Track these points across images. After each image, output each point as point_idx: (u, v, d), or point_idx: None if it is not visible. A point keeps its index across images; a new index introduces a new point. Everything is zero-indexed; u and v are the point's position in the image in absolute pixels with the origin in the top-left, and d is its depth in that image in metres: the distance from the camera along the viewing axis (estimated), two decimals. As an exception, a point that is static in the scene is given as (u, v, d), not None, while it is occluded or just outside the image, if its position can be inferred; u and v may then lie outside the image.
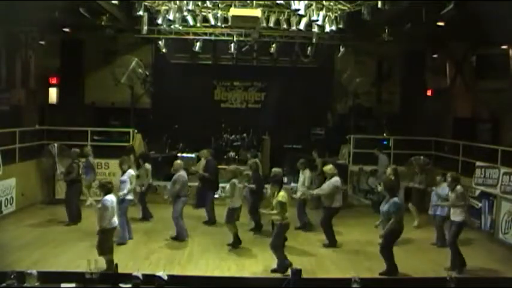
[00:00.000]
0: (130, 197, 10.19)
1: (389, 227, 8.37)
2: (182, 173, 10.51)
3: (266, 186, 12.25)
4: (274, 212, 8.51)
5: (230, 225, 10.18)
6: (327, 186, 10.37)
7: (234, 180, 10.31)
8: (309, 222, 11.62)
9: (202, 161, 12.65)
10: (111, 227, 8.14)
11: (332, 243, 10.39)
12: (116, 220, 8.31)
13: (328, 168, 10.62)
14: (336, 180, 10.35)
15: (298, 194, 11.54)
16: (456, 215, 8.98)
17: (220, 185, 12.47)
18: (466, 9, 11.06)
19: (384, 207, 8.53)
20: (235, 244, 10.11)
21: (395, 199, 8.49)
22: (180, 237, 10.45)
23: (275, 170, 10.36)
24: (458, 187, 9.09)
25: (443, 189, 10.25)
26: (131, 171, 10.40)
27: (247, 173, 11.66)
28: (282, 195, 8.52)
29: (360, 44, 16.37)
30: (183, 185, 10.38)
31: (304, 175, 11.47)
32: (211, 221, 11.99)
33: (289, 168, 15.45)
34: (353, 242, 10.63)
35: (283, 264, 8.46)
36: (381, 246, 8.68)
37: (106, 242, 8.04)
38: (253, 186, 11.31)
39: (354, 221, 12.26)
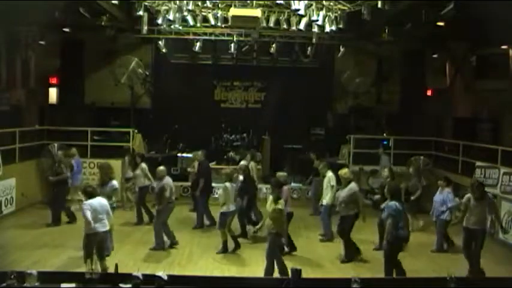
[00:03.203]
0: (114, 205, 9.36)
1: (387, 237, 7.77)
2: (168, 180, 10.06)
3: (266, 186, 12.25)
4: (270, 224, 8.08)
5: (221, 231, 9.83)
6: (345, 194, 9.60)
7: (227, 184, 9.93)
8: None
9: (195, 163, 12.43)
10: (91, 232, 7.86)
11: (349, 256, 9.56)
12: (97, 226, 7.87)
13: (344, 172, 9.84)
14: (354, 186, 9.64)
15: (325, 200, 10.73)
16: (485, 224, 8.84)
17: (216, 185, 12.32)
18: (466, 9, 11.07)
19: (384, 214, 8.06)
20: (224, 250, 9.80)
21: (391, 203, 7.90)
22: (157, 247, 9.79)
23: (280, 174, 10.19)
24: (490, 195, 8.98)
25: (446, 194, 10.17)
26: (116, 184, 9.72)
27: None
28: (281, 202, 8.15)
29: (360, 44, 16.39)
30: (171, 192, 9.97)
31: (329, 178, 10.67)
32: (200, 225, 11.56)
33: (289, 168, 15.47)
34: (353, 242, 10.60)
35: (270, 272, 8.15)
36: (385, 255, 8.03)
37: (87, 246, 7.85)
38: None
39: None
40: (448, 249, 10.30)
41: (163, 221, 9.94)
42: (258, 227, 9.75)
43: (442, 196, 10.23)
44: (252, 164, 12.36)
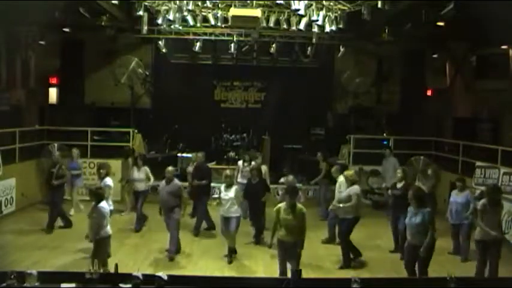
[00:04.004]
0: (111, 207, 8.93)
1: (429, 241, 7.31)
2: (179, 182, 9.72)
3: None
4: (286, 233, 7.49)
5: (233, 236, 9.47)
6: (344, 196, 9.35)
7: (236, 187, 9.73)
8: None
9: (192, 164, 12.06)
10: (107, 235, 7.80)
11: (347, 262, 9.27)
12: (108, 228, 7.84)
13: (350, 174, 9.62)
14: (357, 188, 9.37)
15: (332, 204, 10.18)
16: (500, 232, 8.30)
17: (217, 185, 12.05)
18: (466, 9, 11.07)
19: (416, 219, 7.41)
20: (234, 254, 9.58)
21: (428, 208, 7.51)
22: (174, 252, 9.51)
23: (290, 179, 9.91)
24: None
25: (469, 195, 9.77)
26: (108, 181, 9.67)
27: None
28: (302, 207, 7.63)
29: (360, 44, 16.39)
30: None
31: (339, 184, 10.09)
32: (198, 229, 11.17)
33: (289, 169, 15.45)
34: (353, 242, 10.58)
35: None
36: (423, 262, 7.45)
37: (101, 249, 7.74)
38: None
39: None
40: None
41: (179, 223, 9.65)
42: (269, 242, 8.31)
43: (466, 197, 9.69)
44: (265, 167, 12.15)
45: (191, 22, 13.88)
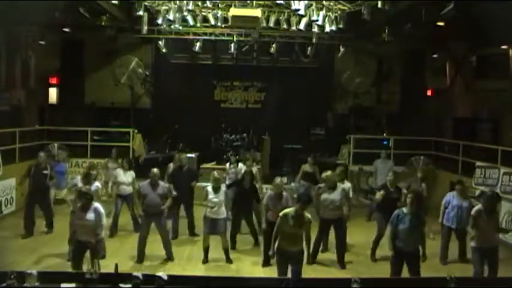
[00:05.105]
0: None
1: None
2: (163, 182, 9.50)
3: (266, 186, 12.18)
4: (285, 242, 7.17)
5: (225, 236, 9.40)
6: (339, 197, 9.11)
7: (224, 189, 9.41)
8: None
9: (171, 166, 11.60)
10: (103, 236, 7.70)
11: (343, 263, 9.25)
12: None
13: (330, 175, 9.22)
14: (347, 187, 9.29)
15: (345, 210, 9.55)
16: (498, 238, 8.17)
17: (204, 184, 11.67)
18: (466, 9, 11.07)
19: (414, 224, 7.19)
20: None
21: (421, 211, 7.41)
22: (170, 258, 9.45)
23: (277, 181, 9.34)
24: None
25: (472, 200, 9.47)
26: (98, 184, 9.38)
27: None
28: (308, 216, 7.21)
29: (360, 44, 16.39)
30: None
31: (344, 188, 9.52)
32: (193, 229, 10.97)
33: (289, 169, 15.47)
34: (352, 242, 10.59)
35: None
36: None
37: (101, 250, 7.64)
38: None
39: (353, 221, 12.24)
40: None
41: None
42: (271, 252, 7.71)
43: (470, 203, 9.29)
44: (255, 169, 11.96)
45: (191, 22, 13.88)
